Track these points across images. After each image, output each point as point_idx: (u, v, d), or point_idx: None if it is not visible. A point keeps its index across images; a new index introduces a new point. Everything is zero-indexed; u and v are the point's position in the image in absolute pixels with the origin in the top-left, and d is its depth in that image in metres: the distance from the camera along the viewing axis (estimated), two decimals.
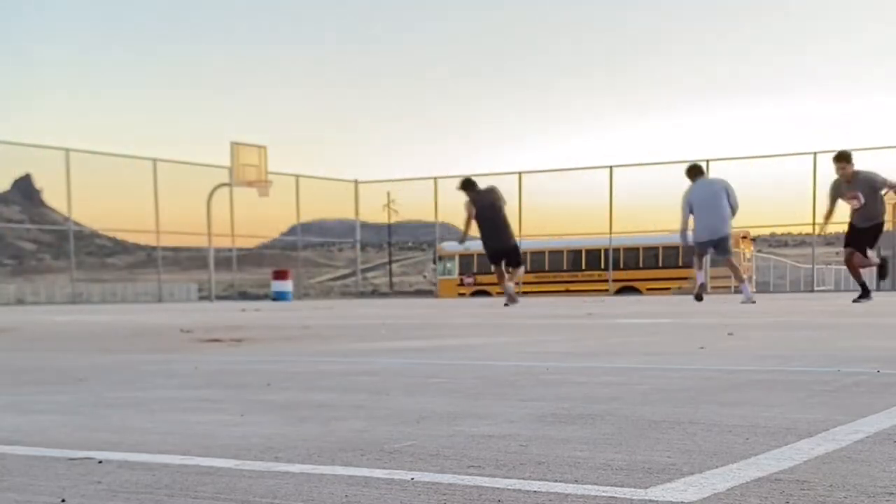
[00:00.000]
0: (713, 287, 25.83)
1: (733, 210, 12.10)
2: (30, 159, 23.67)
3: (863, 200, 10.85)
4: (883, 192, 11.14)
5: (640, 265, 32.10)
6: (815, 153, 21.71)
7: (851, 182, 10.99)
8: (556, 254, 32.86)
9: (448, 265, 33.77)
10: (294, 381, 2.89)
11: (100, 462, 1.53)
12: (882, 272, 12.09)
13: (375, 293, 37.08)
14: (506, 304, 12.47)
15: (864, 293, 11.41)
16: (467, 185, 12.54)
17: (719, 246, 12.25)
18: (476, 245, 36.76)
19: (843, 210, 11.30)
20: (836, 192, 11.14)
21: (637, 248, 31.90)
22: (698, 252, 12.58)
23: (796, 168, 22.39)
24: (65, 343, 5.62)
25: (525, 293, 27.10)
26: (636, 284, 30.25)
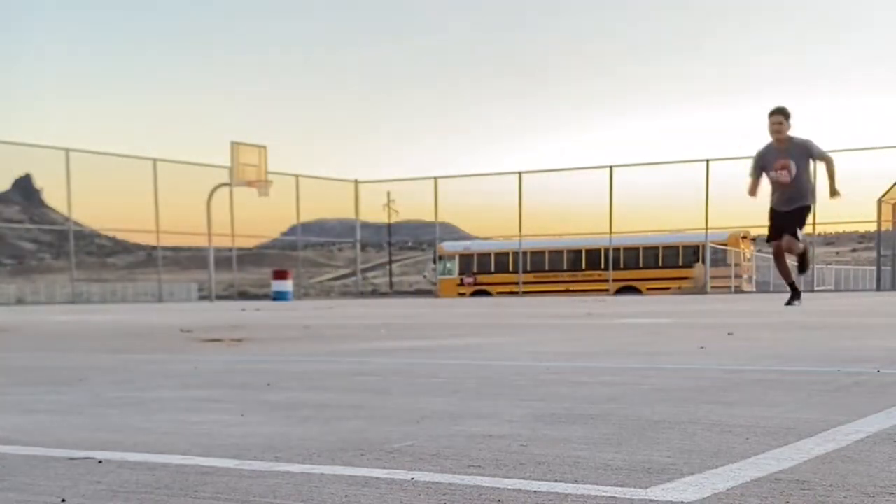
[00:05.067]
0: (713, 287, 25.85)
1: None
2: (30, 159, 23.71)
3: (794, 173, 9.18)
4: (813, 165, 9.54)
5: (640, 265, 32.12)
6: None
7: (784, 148, 9.22)
8: (556, 254, 32.88)
9: (448, 265, 33.78)
10: (294, 381, 2.89)
11: (100, 462, 1.53)
12: (802, 264, 9.94)
13: (375, 293, 37.10)
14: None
15: (795, 294, 9.90)
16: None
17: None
18: (476, 245, 36.76)
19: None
20: (762, 162, 9.34)
21: (637, 248, 31.92)
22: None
23: None
24: (65, 343, 5.62)
25: (525, 293, 27.12)
26: (636, 284, 30.27)
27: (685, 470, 1.38)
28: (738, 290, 29.25)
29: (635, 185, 24.79)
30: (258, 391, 2.58)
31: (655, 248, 32.61)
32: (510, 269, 30.18)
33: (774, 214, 9.57)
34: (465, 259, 33.95)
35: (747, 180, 9.47)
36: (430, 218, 28.00)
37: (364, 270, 30.90)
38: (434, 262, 34.80)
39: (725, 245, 30.50)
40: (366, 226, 31.33)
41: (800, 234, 9.55)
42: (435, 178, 26.72)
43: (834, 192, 9.39)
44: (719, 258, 30.19)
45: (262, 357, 3.96)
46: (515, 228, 25.78)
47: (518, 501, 1.22)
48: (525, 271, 28.53)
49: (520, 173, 25.15)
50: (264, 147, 22.72)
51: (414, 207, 29.70)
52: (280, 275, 22.27)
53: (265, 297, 26.34)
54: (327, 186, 28.30)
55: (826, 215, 22.59)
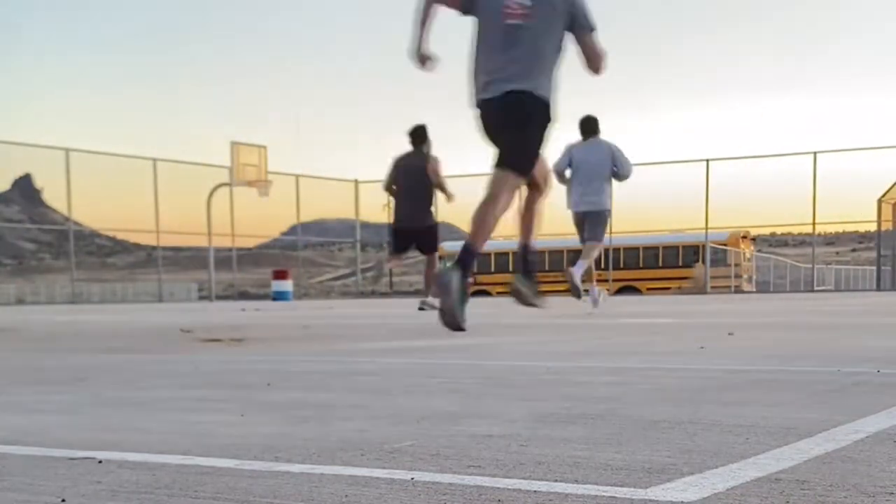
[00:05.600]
0: (713, 287, 25.86)
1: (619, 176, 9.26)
2: (30, 159, 23.69)
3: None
4: None
5: (640, 265, 32.13)
6: (815, 153, 21.73)
7: None
8: (556, 254, 32.87)
9: (448, 265, 33.74)
10: (294, 381, 2.89)
11: (100, 462, 1.53)
12: None
13: (375, 293, 37.07)
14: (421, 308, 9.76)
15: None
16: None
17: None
18: None
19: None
20: None
21: (637, 248, 31.93)
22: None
23: (796, 168, 22.41)
24: (65, 343, 5.62)
25: None
26: (636, 284, 30.28)
27: (685, 470, 1.38)
28: (738, 290, 29.26)
29: (636, 185, 24.79)
30: (258, 391, 2.58)
31: (655, 248, 32.62)
32: (510, 269, 30.17)
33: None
34: None
35: None
36: None
37: (364, 270, 30.89)
38: None
39: (725, 245, 30.52)
40: (366, 226, 31.33)
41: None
42: None
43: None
44: (719, 258, 30.20)
45: (262, 357, 3.96)
46: (515, 228, 25.76)
47: (518, 501, 1.22)
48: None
49: None
50: (264, 147, 22.75)
51: None
52: (280, 275, 22.27)
53: (265, 297, 26.33)
54: (327, 186, 28.32)
55: (826, 215, 22.67)
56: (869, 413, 1.93)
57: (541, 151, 5.15)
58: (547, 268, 32.75)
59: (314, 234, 31.40)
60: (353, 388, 2.62)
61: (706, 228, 23.70)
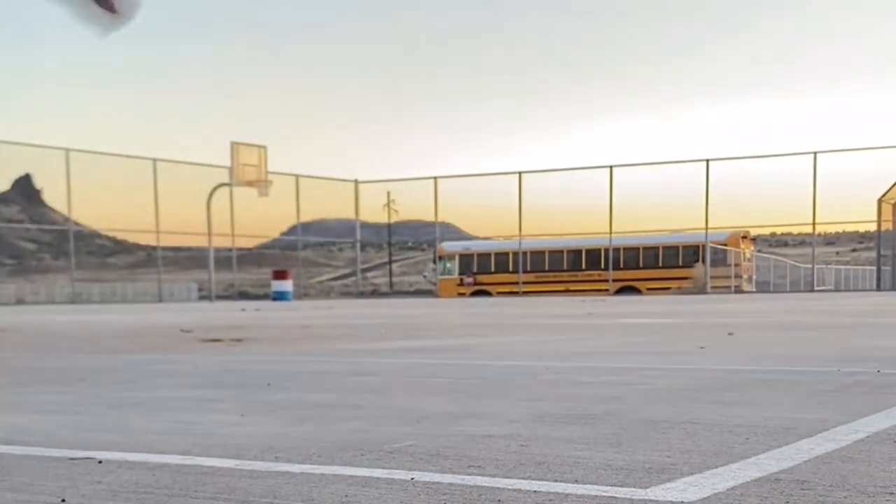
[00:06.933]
0: (713, 287, 25.88)
1: None
2: (30, 159, 23.71)
3: None
4: None
5: (640, 265, 32.13)
6: (815, 153, 21.73)
7: None
8: (556, 254, 32.87)
9: (448, 265, 33.76)
10: (294, 381, 2.89)
11: (100, 462, 1.53)
12: None
13: (375, 293, 37.08)
14: None
15: None
16: None
17: None
18: (476, 245, 36.86)
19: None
20: None
21: (637, 248, 31.93)
22: None
23: (796, 168, 22.41)
24: (65, 343, 5.62)
25: (525, 293, 27.11)
26: (636, 284, 30.26)
27: (685, 470, 1.38)
28: (738, 290, 29.25)
29: (635, 185, 24.82)
30: (258, 391, 2.58)
31: (655, 248, 32.62)
32: (510, 268, 30.19)
33: None
34: (465, 259, 33.92)
35: None
36: (430, 218, 28.04)
37: (364, 270, 30.93)
38: (434, 262, 34.80)
39: (725, 245, 30.52)
40: (366, 226, 31.34)
41: None
42: (435, 178, 26.76)
43: None
44: (719, 258, 30.20)
45: (262, 357, 3.96)
46: (515, 228, 25.85)
47: (518, 501, 1.22)
48: (525, 271, 28.56)
49: (520, 173, 25.18)
50: (264, 147, 22.74)
51: (414, 207, 29.69)
52: (280, 275, 22.28)
53: (265, 297, 26.33)
54: (327, 186, 28.31)
55: (826, 215, 22.68)
56: (869, 413, 1.93)
57: None
58: (547, 268, 32.79)
59: (314, 234, 31.40)
60: (353, 388, 2.62)
61: (706, 228, 23.73)
